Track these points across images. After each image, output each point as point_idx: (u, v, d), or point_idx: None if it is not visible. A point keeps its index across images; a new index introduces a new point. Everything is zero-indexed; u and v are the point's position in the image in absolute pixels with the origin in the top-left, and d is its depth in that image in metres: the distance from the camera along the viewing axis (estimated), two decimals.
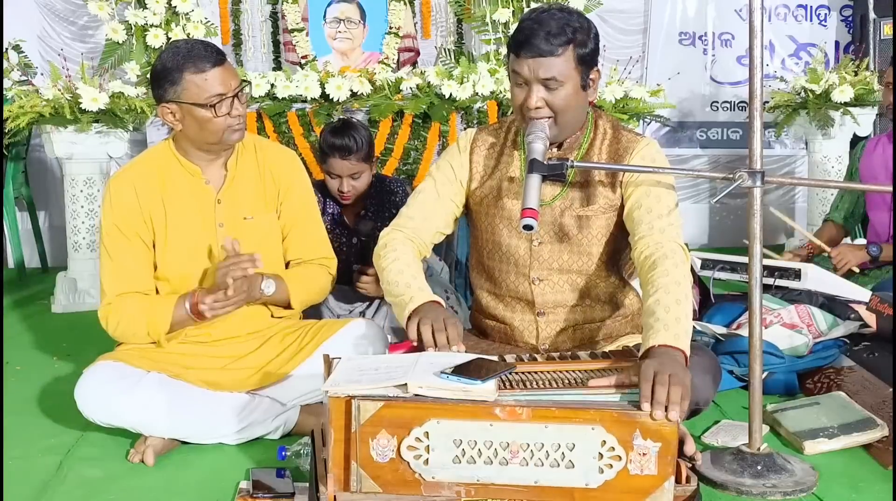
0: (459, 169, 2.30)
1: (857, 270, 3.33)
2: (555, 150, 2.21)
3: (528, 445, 1.68)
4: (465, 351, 1.98)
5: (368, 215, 3.19)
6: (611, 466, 1.68)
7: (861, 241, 3.79)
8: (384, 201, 3.20)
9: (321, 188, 3.17)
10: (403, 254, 2.21)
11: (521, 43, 2.07)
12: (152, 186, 2.38)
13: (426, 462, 1.69)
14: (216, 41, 4.57)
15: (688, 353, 1.88)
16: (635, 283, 2.30)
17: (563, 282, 2.24)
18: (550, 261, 2.23)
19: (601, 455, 1.68)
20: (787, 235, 5.63)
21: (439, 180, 2.31)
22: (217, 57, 2.28)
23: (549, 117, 2.11)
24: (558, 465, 1.69)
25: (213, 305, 2.24)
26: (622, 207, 2.20)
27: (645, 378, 1.71)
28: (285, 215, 2.48)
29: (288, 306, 2.44)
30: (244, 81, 2.37)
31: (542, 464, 1.69)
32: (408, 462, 1.69)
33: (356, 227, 3.16)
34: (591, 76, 2.14)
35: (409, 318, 2.06)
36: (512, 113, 2.24)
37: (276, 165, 2.48)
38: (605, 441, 1.68)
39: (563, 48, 2.06)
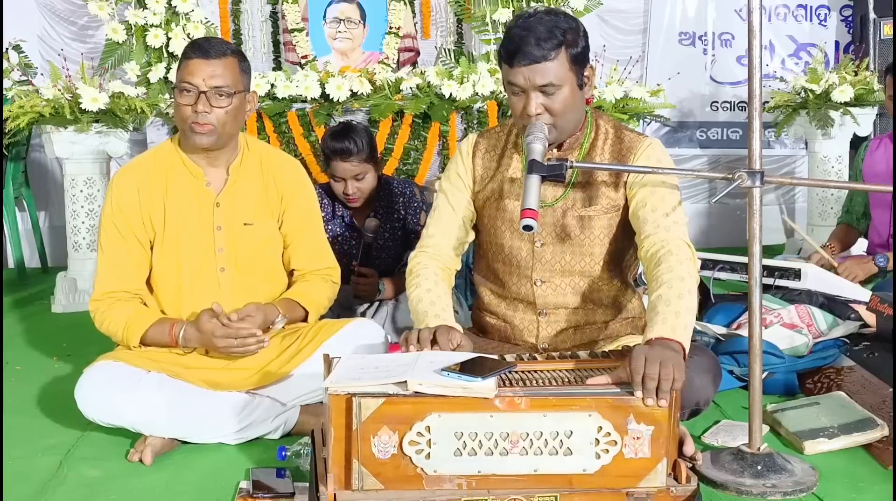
0: (465, 175, 2.31)
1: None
2: (555, 151, 2.21)
3: (528, 434, 1.71)
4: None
5: (377, 218, 3.19)
6: (607, 451, 1.72)
7: (863, 241, 3.79)
8: (392, 203, 3.21)
9: (329, 192, 3.18)
10: (426, 279, 2.22)
11: (513, 52, 2.07)
12: (155, 185, 2.39)
13: (428, 456, 1.70)
14: None
15: (686, 345, 1.88)
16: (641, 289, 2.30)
17: (565, 284, 2.24)
18: (553, 262, 2.23)
19: (598, 441, 1.72)
20: (787, 235, 5.63)
21: (450, 193, 2.32)
22: (210, 52, 2.28)
23: (549, 123, 2.10)
24: (557, 453, 1.72)
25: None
26: (626, 207, 2.20)
27: (636, 368, 1.73)
28: (287, 223, 2.48)
29: (303, 321, 2.47)
30: (238, 92, 2.31)
31: (542, 452, 1.72)
32: (410, 458, 1.70)
33: (363, 228, 3.17)
34: (586, 74, 2.14)
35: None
36: (511, 115, 2.24)
37: (280, 172, 2.48)
38: (601, 427, 1.71)
39: (555, 51, 2.06)
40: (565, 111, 2.11)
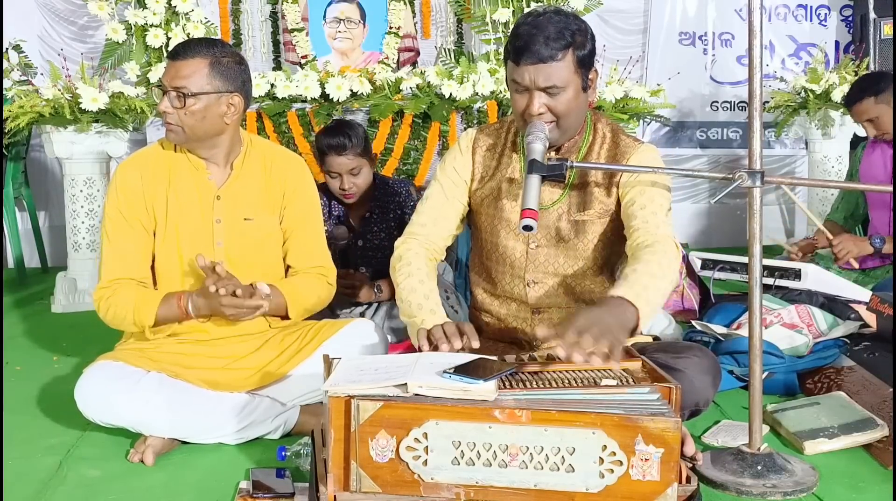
0: (463, 170, 2.31)
1: (856, 264, 3.33)
2: (553, 153, 2.21)
3: (528, 448, 1.67)
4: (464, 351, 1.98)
5: (373, 217, 3.20)
6: (612, 471, 1.67)
7: None
8: (388, 202, 3.22)
9: (325, 191, 3.18)
10: (417, 269, 2.21)
11: (521, 50, 2.07)
12: (158, 174, 2.39)
13: (425, 462, 1.69)
14: None
15: (642, 317, 1.87)
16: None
17: (557, 285, 2.25)
18: (546, 264, 2.24)
19: (602, 460, 1.67)
20: (788, 235, 5.63)
21: (445, 184, 2.32)
22: (179, 53, 2.30)
23: (551, 122, 2.11)
24: (558, 469, 1.68)
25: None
26: (617, 210, 2.21)
27: (574, 325, 1.72)
28: (287, 219, 2.48)
29: (285, 317, 2.43)
30: (202, 93, 2.29)
31: (542, 467, 1.68)
32: (407, 463, 1.69)
33: (361, 227, 3.17)
34: (590, 77, 2.14)
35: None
36: (511, 113, 2.24)
37: (284, 169, 2.48)
38: (605, 446, 1.66)
39: (562, 52, 2.06)
40: (568, 113, 2.11)
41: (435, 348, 1.99)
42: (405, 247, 2.28)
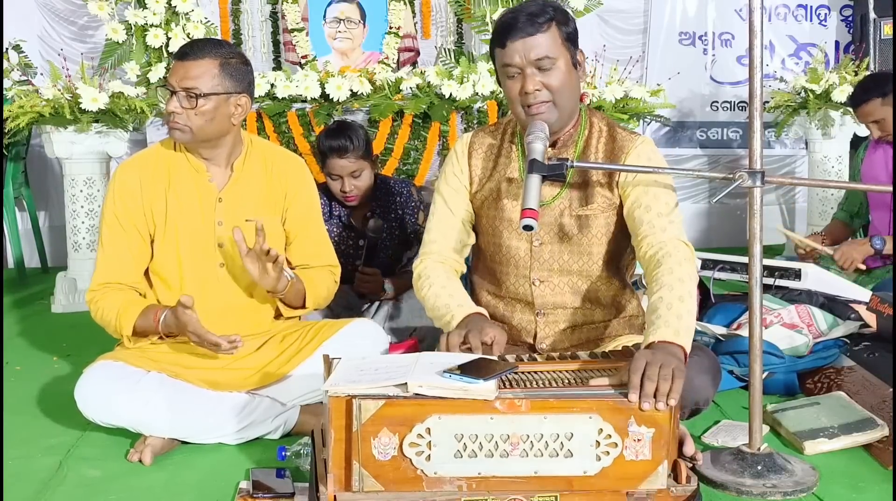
0: (461, 175, 2.31)
1: (863, 266, 3.33)
2: (550, 149, 2.20)
3: (528, 436, 1.71)
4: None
5: (378, 217, 3.19)
6: (608, 453, 1.72)
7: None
8: (390, 202, 3.22)
9: (326, 191, 3.18)
10: (437, 278, 2.23)
11: (506, 31, 2.09)
12: (158, 178, 2.39)
13: (428, 458, 1.70)
14: None
15: (688, 349, 1.88)
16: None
17: (563, 284, 2.24)
18: (551, 262, 2.23)
19: (598, 443, 1.72)
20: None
21: (447, 195, 2.32)
22: (188, 54, 2.29)
23: (548, 101, 2.11)
24: (557, 455, 1.72)
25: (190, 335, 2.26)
26: (621, 205, 2.20)
27: (635, 369, 1.73)
28: (291, 220, 2.49)
29: (301, 306, 2.45)
30: (212, 94, 2.28)
31: (542, 454, 1.71)
32: (410, 459, 1.70)
33: (364, 227, 3.17)
34: (578, 57, 2.16)
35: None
36: (509, 114, 2.24)
37: (284, 170, 2.49)
38: (601, 429, 1.71)
39: (547, 25, 2.08)
40: (562, 88, 2.11)
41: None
42: (422, 266, 2.29)
